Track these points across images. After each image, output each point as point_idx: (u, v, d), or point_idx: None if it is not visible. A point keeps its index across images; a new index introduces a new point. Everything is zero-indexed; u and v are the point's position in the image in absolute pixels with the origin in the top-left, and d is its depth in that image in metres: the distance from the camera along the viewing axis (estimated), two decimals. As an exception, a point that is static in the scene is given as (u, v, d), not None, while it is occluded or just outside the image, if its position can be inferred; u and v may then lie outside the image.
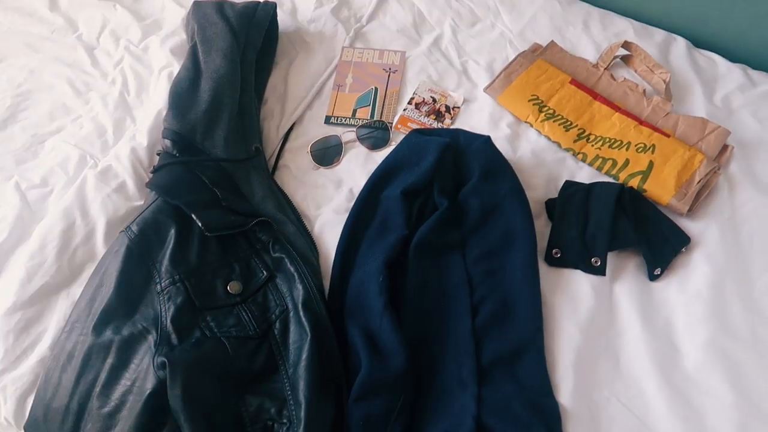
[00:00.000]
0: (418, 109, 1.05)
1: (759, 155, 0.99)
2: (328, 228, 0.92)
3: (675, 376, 0.79)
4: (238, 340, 0.76)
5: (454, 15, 1.18)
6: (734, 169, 0.97)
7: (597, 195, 0.90)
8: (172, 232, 0.81)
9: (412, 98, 1.06)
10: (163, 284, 0.78)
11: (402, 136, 0.97)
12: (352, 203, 0.92)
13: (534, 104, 1.02)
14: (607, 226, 0.86)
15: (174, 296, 0.77)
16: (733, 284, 0.86)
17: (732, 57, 1.12)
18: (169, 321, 0.75)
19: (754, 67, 1.11)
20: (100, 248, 0.85)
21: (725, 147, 0.98)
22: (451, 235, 0.86)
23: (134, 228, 0.81)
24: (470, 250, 0.86)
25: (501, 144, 0.99)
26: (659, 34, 1.15)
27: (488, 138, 0.93)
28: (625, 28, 1.15)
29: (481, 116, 1.04)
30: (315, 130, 1.03)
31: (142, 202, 0.89)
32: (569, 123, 0.99)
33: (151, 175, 0.89)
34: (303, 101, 1.06)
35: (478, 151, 0.91)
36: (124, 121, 1.02)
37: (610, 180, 0.95)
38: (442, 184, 0.89)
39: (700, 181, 0.92)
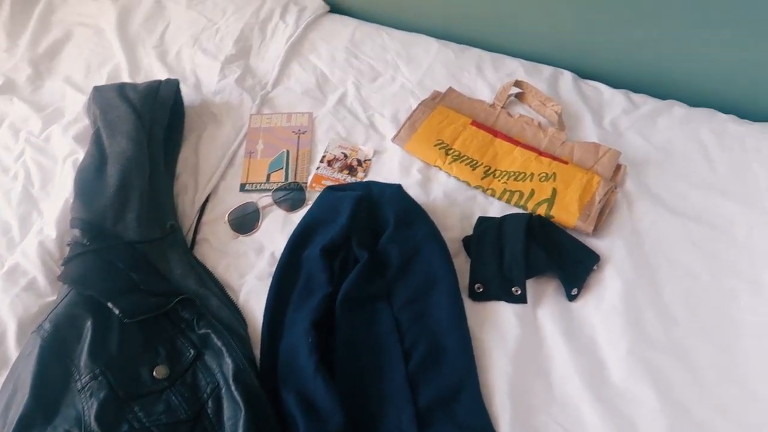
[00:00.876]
0: (331, 166, 1.08)
1: (649, 170, 1.07)
2: (253, 296, 0.92)
3: (604, 390, 0.83)
4: (170, 426, 0.74)
5: (355, 73, 1.24)
6: (630, 186, 1.05)
7: (508, 227, 0.95)
8: (89, 324, 0.79)
9: (324, 156, 1.10)
10: (83, 381, 0.75)
11: (317, 195, 0.99)
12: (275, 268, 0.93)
13: (440, 148, 1.07)
14: (521, 255, 0.91)
15: (96, 391, 0.74)
16: (644, 294, 0.92)
17: (615, 83, 1.23)
18: (92, 419, 0.72)
19: (636, 91, 1.22)
20: (13, 352, 0.82)
21: (618, 167, 1.06)
22: (375, 286, 0.88)
23: (47, 326, 0.79)
24: (396, 298, 0.88)
25: (413, 190, 1.03)
26: (547, 70, 1.24)
27: (399, 186, 0.97)
28: (515, 68, 1.24)
29: (392, 165, 1.09)
30: (231, 199, 1.04)
31: (54, 298, 0.87)
32: (475, 162, 1.05)
33: (62, 268, 0.87)
34: (216, 172, 1.07)
35: (391, 200, 0.95)
36: (30, 216, 0.99)
37: (520, 211, 1.01)
38: (359, 237, 0.91)
39: (600, 201, 0.99)
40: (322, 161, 1.09)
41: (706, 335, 0.88)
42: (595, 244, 0.97)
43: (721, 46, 1.11)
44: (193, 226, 1.01)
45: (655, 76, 1.22)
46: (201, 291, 0.89)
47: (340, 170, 1.08)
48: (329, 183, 1.05)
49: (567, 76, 1.23)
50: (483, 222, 0.97)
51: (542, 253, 0.92)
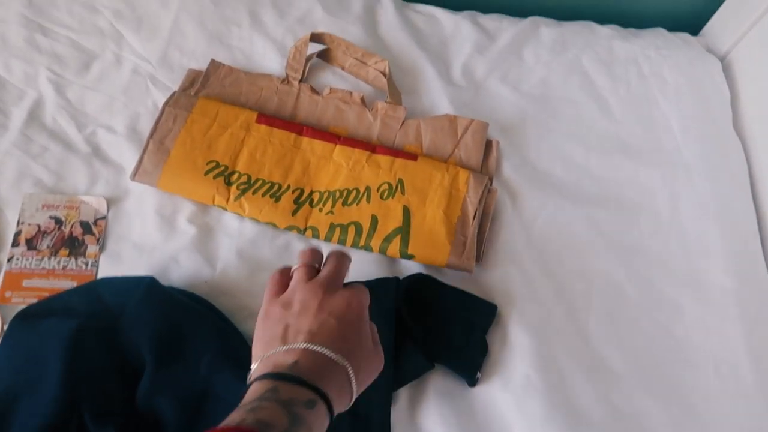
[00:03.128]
0: (35, 248, 0.64)
1: (528, 136, 0.76)
2: None
3: None
4: None
5: (49, 60, 0.74)
6: (508, 170, 0.72)
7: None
8: None
9: (19, 233, 0.64)
10: None
11: (14, 314, 0.56)
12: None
13: (217, 176, 0.66)
14: (388, 366, 0.57)
15: None
16: (563, 345, 0.63)
17: (454, 3, 0.86)
18: None
19: (483, 10, 0.86)
20: None
21: (489, 144, 0.73)
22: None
23: None
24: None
25: (186, 261, 0.63)
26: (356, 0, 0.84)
27: (151, 282, 0.57)
28: (310, 5, 0.82)
29: (146, 219, 0.66)
30: None
31: None
32: (278, 187, 0.66)
33: None
34: None
35: (143, 312, 0.55)
36: None
37: (361, 251, 0.65)
38: (94, 403, 0.51)
39: (476, 213, 0.66)
40: (16, 243, 0.64)
41: (654, 382, 0.63)
42: (480, 279, 0.66)
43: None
44: None
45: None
46: None
47: (54, 252, 0.64)
48: (36, 285, 0.61)
49: (386, 4, 0.84)
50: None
51: (418, 356, 0.58)
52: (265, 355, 0.43)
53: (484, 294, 0.65)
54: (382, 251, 0.65)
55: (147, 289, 0.56)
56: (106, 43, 0.76)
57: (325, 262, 0.49)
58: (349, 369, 0.43)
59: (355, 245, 0.65)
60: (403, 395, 0.59)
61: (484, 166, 0.71)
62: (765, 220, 0.75)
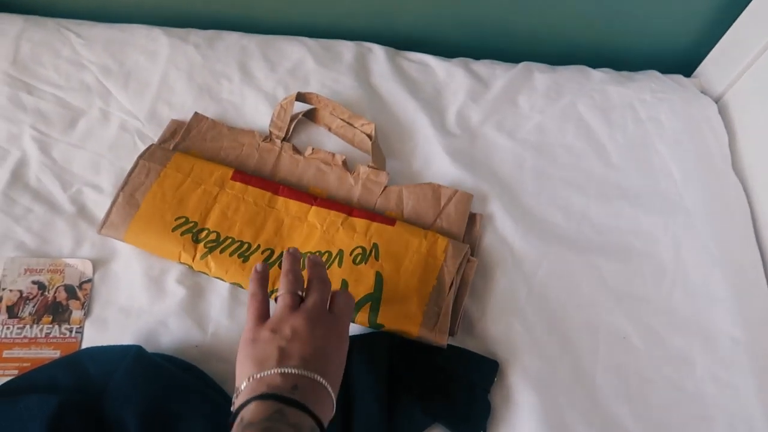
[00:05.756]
0: (16, 315, 0.62)
1: (525, 183, 0.75)
2: None
3: None
4: None
5: (33, 118, 0.74)
6: (507, 220, 0.71)
7: (356, 369, 0.57)
8: None
9: None
10: None
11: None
12: None
13: (185, 232, 0.65)
14: (378, 420, 0.55)
15: None
16: (571, 403, 0.62)
17: (446, 49, 0.87)
18: None
19: (476, 57, 0.87)
20: None
21: (472, 217, 0.71)
22: None
23: None
24: None
25: (176, 325, 0.62)
26: (347, 48, 0.85)
27: (137, 352, 0.55)
28: (301, 55, 0.83)
29: (133, 281, 0.65)
30: None
31: None
32: (247, 247, 0.65)
33: None
34: None
35: (126, 391, 0.53)
36: None
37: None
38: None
39: (452, 285, 0.63)
40: (-4, 310, 0.62)
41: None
42: (481, 334, 0.65)
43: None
44: None
45: (496, 28, 0.89)
46: None
47: (36, 320, 0.62)
48: (17, 356, 0.60)
49: (378, 53, 0.85)
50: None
51: (415, 411, 0.57)
52: (258, 375, 0.45)
53: (485, 350, 0.64)
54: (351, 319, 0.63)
55: (133, 360, 0.54)
56: (93, 99, 0.76)
57: (309, 289, 0.52)
58: (333, 394, 0.47)
59: None
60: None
61: (466, 238, 0.69)
62: (769, 263, 0.74)
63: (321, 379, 0.46)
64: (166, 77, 0.78)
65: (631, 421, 0.62)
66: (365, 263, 0.64)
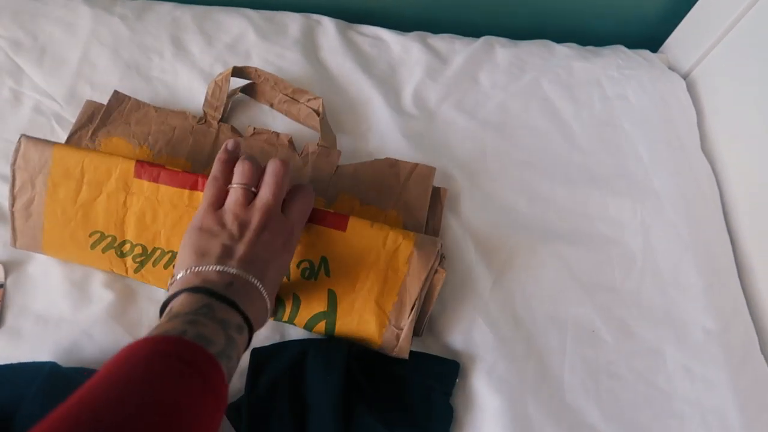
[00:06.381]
0: None
1: (488, 167, 0.70)
2: None
3: None
4: None
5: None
6: (468, 207, 0.67)
7: (312, 378, 0.52)
8: None
9: None
10: None
11: None
12: None
13: (105, 248, 0.56)
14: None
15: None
16: (537, 403, 0.57)
17: (402, 23, 0.81)
18: None
19: (434, 30, 0.81)
20: None
21: (436, 193, 0.64)
22: None
23: None
24: None
25: (102, 336, 0.55)
26: (293, 20, 0.78)
27: (51, 370, 0.48)
28: (242, 28, 0.75)
29: (51, 286, 0.57)
30: None
31: None
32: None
33: None
34: None
35: (33, 414, 0.45)
36: None
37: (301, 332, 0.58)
38: None
39: (414, 305, 0.54)
40: None
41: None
42: (441, 334, 0.60)
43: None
44: None
45: None
46: None
47: (-64, 333, 0.54)
48: None
49: (327, 26, 0.78)
50: (259, 363, 0.53)
51: (371, 421, 0.51)
52: (196, 269, 0.45)
53: (445, 350, 0.59)
54: (308, 329, 0.57)
55: (46, 380, 0.47)
56: (2, 78, 0.67)
57: (264, 183, 0.50)
58: (269, 301, 0.46)
59: (278, 319, 0.57)
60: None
61: (430, 215, 0.63)
62: (739, 247, 0.72)
63: (257, 282, 0.45)
64: (88, 53, 0.70)
65: (602, 421, 0.58)
66: (315, 279, 0.56)
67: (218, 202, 0.49)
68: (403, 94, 0.74)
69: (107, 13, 0.73)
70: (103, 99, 0.67)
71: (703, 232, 0.70)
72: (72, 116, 0.66)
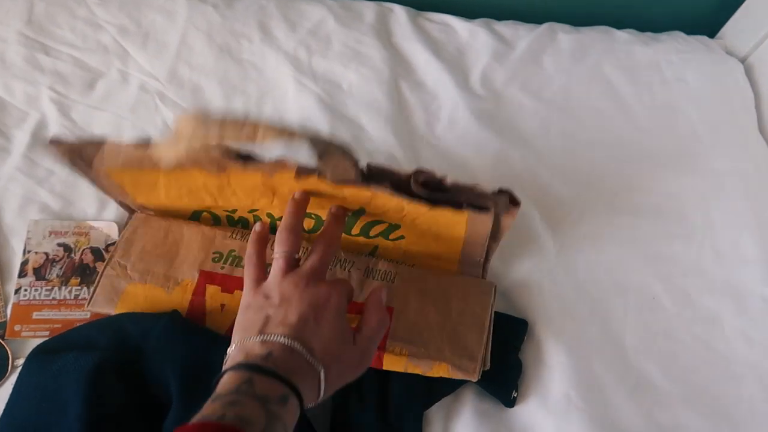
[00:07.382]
0: (44, 277, 0.61)
1: (552, 146, 0.74)
2: None
3: None
4: None
5: (51, 79, 0.73)
6: (537, 181, 0.71)
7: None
8: None
9: (26, 262, 0.62)
10: None
11: (24, 349, 0.54)
12: None
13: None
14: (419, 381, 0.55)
15: None
16: (601, 362, 0.62)
17: (468, 11, 0.86)
18: None
19: (498, 18, 0.86)
20: None
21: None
22: None
23: None
24: None
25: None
26: (368, 8, 0.83)
27: (174, 313, 0.55)
28: (323, 17, 0.81)
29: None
30: None
31: None
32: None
33: None
34: None
35: (165, 346, 0.52)
36: None
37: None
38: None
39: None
40: (23, 273, 0.61)
41: (697, 397, 0.61)
42: (510, 295, 0.65)
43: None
44: None
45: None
46: None
47: (64, 282, 0.61)
48: (46, 317, 0.59)
49: (399, 13, 0.84)
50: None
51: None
52: (241, 342, 0.43)
53: (514, 310, 0.64)
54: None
55: (170, 319, 0.54)
56: (111, 60, 0.75)
57: (311, 249, 0.49)
58: (320, 369, 0.43)
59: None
60: (438, 415, 0.57)
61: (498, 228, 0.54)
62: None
63: (302, 350, 0.42)
64: (185, 37, 0.77)
65: (662, 379, 0.62)
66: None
67: (258, 279, 0.48)
68: (471, 76, 0.79)
69: (201, 2, 0.80)
70: (201, 79, 0.74)
71: (761, 208, 0.73)
72: (173, 94, 0.73)
